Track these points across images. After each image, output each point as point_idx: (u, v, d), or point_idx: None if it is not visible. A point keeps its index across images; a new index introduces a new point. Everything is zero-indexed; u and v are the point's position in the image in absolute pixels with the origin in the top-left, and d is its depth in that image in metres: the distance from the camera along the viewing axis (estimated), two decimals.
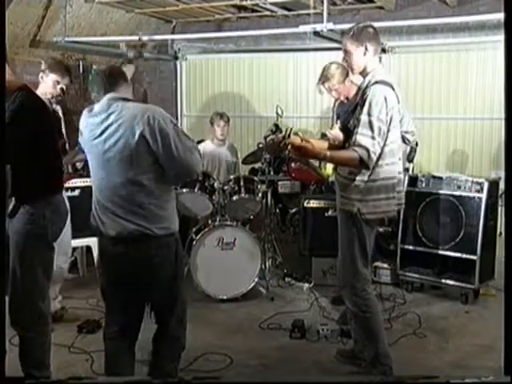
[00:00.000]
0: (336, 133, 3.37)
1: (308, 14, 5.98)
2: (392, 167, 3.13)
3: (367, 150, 2.97)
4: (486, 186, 4.49)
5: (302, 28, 4.96)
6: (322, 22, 4.80)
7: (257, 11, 6.65)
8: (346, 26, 5.12)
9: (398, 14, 6.03)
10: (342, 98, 4.21)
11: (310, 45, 6.31)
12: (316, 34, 4.90)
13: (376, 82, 3.06)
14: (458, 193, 4.59)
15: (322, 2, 4.93)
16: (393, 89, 3.12)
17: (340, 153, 3.16)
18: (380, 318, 3.30)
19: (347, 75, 4.13)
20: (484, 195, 4.48)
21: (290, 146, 3.17)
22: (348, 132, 3.19)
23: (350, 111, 3.29)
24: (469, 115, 6.14)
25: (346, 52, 3.15)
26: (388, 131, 3.06)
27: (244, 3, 6.15)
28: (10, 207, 2.81)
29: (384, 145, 3.05)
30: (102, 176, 2.73)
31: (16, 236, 2.84)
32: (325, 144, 3.37)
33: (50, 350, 3.01)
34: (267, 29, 6.13)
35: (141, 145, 2.59)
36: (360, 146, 2.98)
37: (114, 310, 2.90)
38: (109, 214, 2.71)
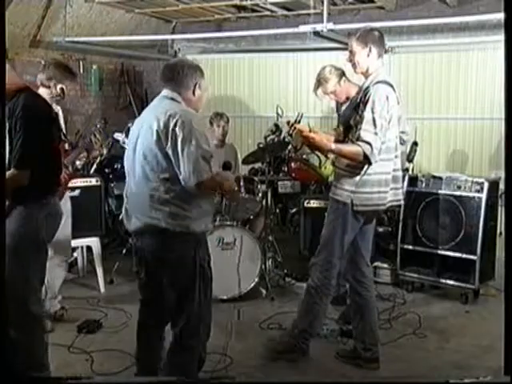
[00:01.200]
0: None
1: (308, 14, 5.99)
2: (387, 163, 3.25)
3: (370, 146, 3.09)
4: (486, 186, 4.49)
5: (302, 28, 4.96)
6: (322, 22, 4.80)
7: (257, 11, 6.65)
8: (346, 26, 5.19)
9: (398, 14, 6.03)
10: (342, 100, 4.21)
11: (310, 45, 6.33)
12: (316, 33, 4.90)
13: (378, 82, 3.19)
14: (458, 193, 4.59)
15: (322, 2, 4.93)
16: (393, 89, 3.24)
17: (346, 146, 3.25)
18: (322, 308, 3.49)
19: (343, 76, 4.14)
20: (484, 195, 4.48)
21: (295, 130, 3.37)
22: (349, 129, 3.27)
23: (351, 109, 3.35)
24: (469, 115, 6.14)
25: (351, 52, 3.29)
26: (387, 129, 3.17)
27: (244, 3, 6.16)
28: (6, 207, 2.80)
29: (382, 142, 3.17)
30: (130, 169, 2.81)
31: (9, 238, 2.80)
32: (331, 138, 3.43)
33: (48, 351, 3.00)
34: (267, 29, 6.13)
35: (158, 143, 2.64)
36: (364, 141, 3.10)
37: (141, 302, 3.06)
38: (133, 209, 2.80)
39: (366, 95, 3.19)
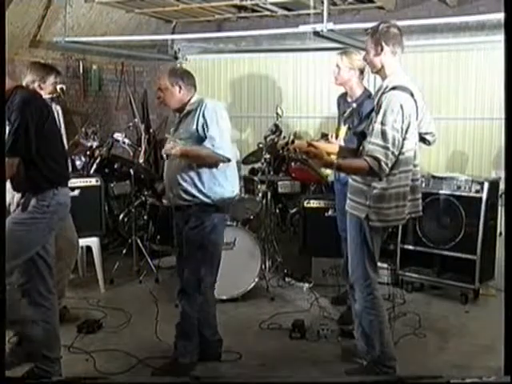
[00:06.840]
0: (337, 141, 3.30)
1: (308, 14, 5.98)
2: (406, 175, 3.05)
3: (378, 161, 2.88)
4: (486, 186, 4.49)
5: (302, 28, 4.96)
6: (322, 21, 4.79)
7: (257, 11, 6.66)
8: (346, 26, 5.19)
9: (398, 14, 6.02)
10: (338, 83, 4.05)
11: (310, 45, 6.31)
12: (316, 34, 4.89)
13: (393, 88, 2.98)
14: (457, 193, 4.59)
15: (322, 2, 4.93)
16: (412, 94, 3.02)
17: (348, 162, 3.10)
18: (384, 320, 3.24)
19: (359, 72, 3.98)
20: (484, 195, 4.48)
21: (297, 150, 3.09)
22: (362, 137, 3.10)
23: (364, 116, 3.21)
24: (469, 115, 6.14)
25: (365, 49, 3.12)
26: (404, 139, 2.97)
27: (244, 3, 6.16)
28: (22, 200, 2.91)
29: (399, 153, 2.96)
30: None
31: (22, 225, 2.90)
32: (334, 147, 3.29)
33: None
34: (267, 29, 6.13)
35: None
36: (371, 156, 2.89)
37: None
38: None
39: (378, 103, 2.99)
